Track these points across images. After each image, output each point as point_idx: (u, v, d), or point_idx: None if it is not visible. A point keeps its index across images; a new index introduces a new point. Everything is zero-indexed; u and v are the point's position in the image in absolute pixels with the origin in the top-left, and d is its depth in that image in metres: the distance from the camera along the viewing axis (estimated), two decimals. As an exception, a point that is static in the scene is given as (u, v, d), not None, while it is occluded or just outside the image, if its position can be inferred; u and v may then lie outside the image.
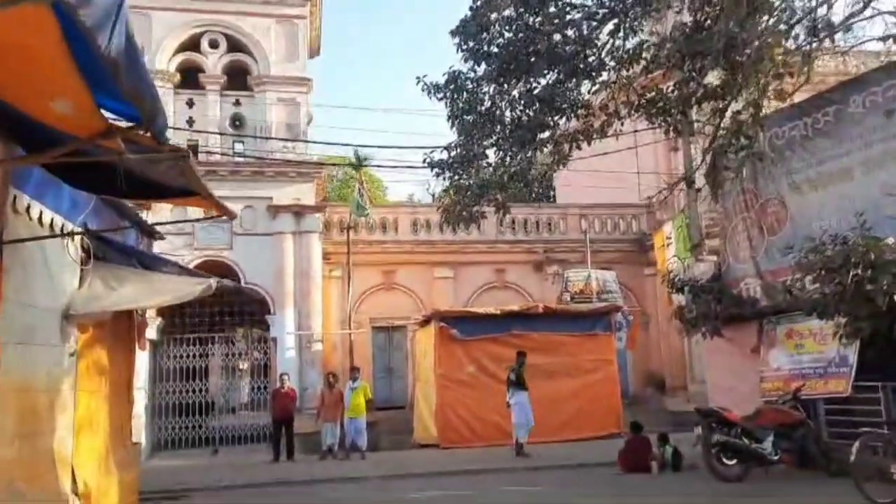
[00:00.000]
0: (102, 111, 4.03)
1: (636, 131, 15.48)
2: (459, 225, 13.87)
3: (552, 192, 33.91)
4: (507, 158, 13.03)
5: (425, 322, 19.06)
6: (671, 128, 13.72)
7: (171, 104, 19.81)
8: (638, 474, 11.68)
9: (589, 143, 13.28)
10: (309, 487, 12.53)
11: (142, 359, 18.25)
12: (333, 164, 25.84)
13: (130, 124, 4.19)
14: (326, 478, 13.36)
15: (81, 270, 8.03)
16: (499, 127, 12.74)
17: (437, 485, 11.99)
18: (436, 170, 13.39)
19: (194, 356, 19.56)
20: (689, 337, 16.57)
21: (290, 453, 16.57)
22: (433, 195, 34.33)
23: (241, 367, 26.28)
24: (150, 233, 10.82)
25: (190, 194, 5.97)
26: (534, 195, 32.03)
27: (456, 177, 13.78)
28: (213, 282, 8.33)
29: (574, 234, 23.21)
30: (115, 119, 4.20)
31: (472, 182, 13.44)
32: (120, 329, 9.69)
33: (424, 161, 13.31)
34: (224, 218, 8.02)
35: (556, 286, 22.26)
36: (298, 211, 19.59)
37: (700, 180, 13.91)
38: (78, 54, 3.33)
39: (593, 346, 18.29)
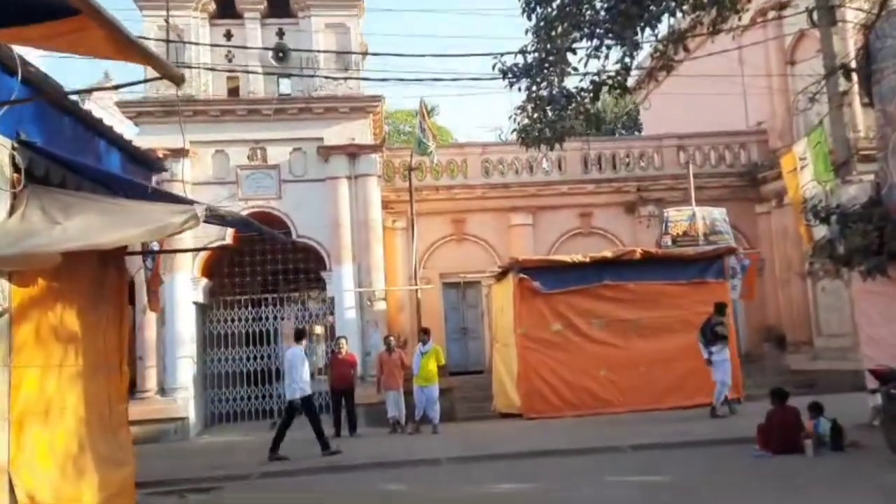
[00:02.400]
0: None
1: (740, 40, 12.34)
2: (539, 147, 11.13)
3: (638, 128, 30.65)
4: (600, 57, 10.21)
5: (502, 275, 16.47)
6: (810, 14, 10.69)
7: (208, 36, 17.57)
8: (788, 456, 8.87)
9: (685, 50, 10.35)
10: (365, 474, 10.21)
11: (184, 323, 16.51)
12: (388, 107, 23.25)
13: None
14: (388, 460, 11.02)
15: (13, 195, 5.79)
16: (588, 14, 9.88)
17: (524, 471, 9.48)
18: (509, 77, 10.66)
19: (250, 319, 17.56)
20: (843, 280, 13.49)
21: (352, 427, 14.36)
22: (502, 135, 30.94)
23: (316, 331, 24.47)
24: (143, 160, 8.43)
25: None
26: (621, 125, 29.01)
27: (534, 87, 11.00)
28: (199, 209, 5.89)
29: (671, 169, 20.12)
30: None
31: (554, 91, 10.67)
32: (99, 283, 7.39)
33: (494, 67, 10.60)
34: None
35: (652, 229, 19.31)
36: (353, 151, 17.11)
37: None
38: None
39: (704, 296, 15.26)
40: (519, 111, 11.21)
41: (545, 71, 10.71)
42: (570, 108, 10.54)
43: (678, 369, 14.87)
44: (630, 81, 11.60)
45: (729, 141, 20.52)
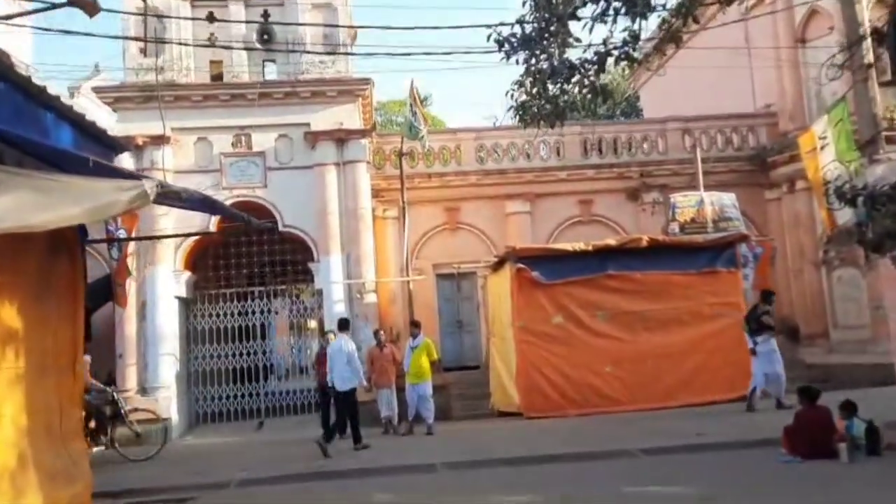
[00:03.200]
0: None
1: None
2: (539, 125, 10.20)
3: (637, 114, 29.76)
4: (607, 22, 9.28)
5: (499, 265, 15.59)
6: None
7: (189, 20, 16.63)
8: (820, 461, 8.02)
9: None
10: (354, 482, 9.36)
11: (165, 318, 15.59)
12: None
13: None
14: (380, 465, 10.15)
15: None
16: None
17: (528, 479, 8.62)
18: (505, 49, 9.73)
19: (236, 314, 16.68)
20: (861, 269, 12.70)
21: (341, 429, 13.46)
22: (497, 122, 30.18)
23: (309, 325, 23.65)
24: (101, 137, 7.52)
25: None
26: (620, 111, 28.15)
27: (533, 59, 10.08)
28: (149, 185, 5.01)
29: (676, 154, 19.21)
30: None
31: (555, 63, 9.75)
32: (47, 273, 6.50)
33: (489, 38, 9.68)
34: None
35: (656, 217, 18.45)
36: (341, 137, 16.19)
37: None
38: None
39: (714, 287, 14.51)
40: (516, 87, 10.27)
41: (545, 41, 9.79)
42: (573, 80, 9.64)
43: (688, 364, 14.07)
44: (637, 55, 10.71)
45: (736, 124, 19.63)
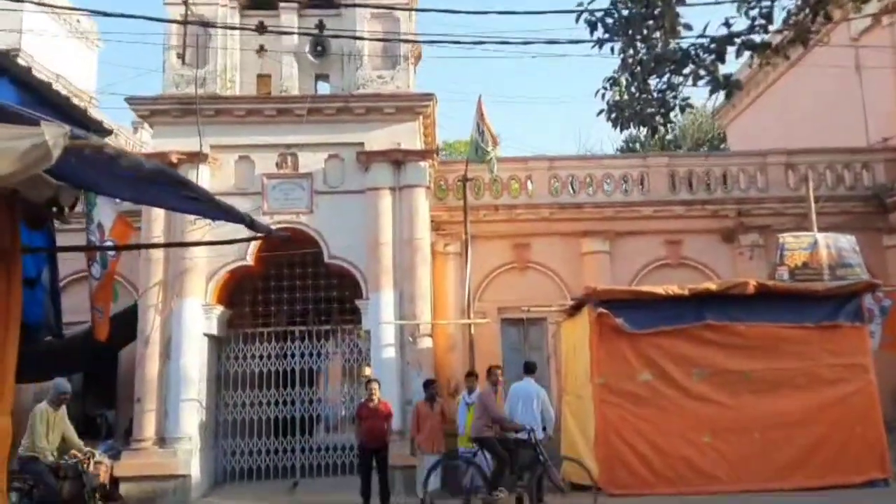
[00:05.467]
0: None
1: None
2: (639, 128, 8.12)
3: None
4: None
5: (576, 309, 13.38)
6: None
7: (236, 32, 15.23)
8: None
9: None
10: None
11: (192, 358, 13.78)
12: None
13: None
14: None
15: None
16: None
17: None
18: (599, 35, 7.74)
19: (274, 356, 14.86)
20: None
21: (384, 497, 11.34)
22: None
23: (366, 372, 21.65)
24: (65, 109, 5.69)
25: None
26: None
27: (631, 50, 8.06)
28: (54, 132, 3.02)
29: (777, 190, 16.80)
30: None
31: (660, 51, 7.71)
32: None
33: (578, 19, 7.70)
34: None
35: (755, 262, 16.02)
36: (398, 158, 14.36)
37: None
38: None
39: (836, 344, 11.99)
40: (609, 83, 8.25)
41: (648, 26, 7.79)
42: (684, 70, 7.58)
43: (805, 438, 11.55)
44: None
45: (849, 159, 17.13)
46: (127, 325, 14.07)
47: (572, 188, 17.08)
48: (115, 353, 15.85)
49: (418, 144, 14.70)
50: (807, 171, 16.11)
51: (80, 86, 23.10)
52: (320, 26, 15.37)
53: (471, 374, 12.42)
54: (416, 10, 15.08)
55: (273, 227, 14.04)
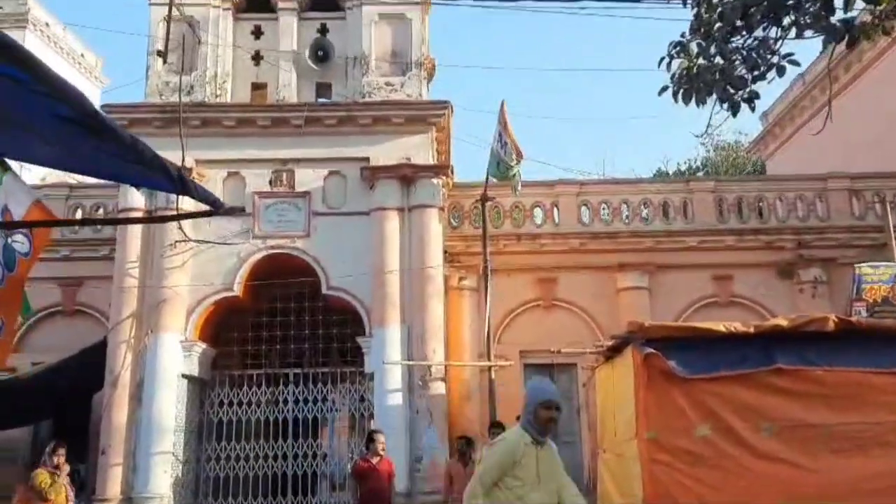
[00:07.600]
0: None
1: None
2: (706, 99, 6.20)
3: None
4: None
5: (615, 350, 11.30)
6: None
7: (230, 32, 13.70)
8: None
9: None
10: None
11: (166, 403, 11.89)
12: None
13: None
14: None
15: None
16: None
17: None
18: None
19: (264, 403, 12.95)
20: None
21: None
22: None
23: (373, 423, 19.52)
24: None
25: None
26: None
27: (706, 4, 6.23)
28: None
29: (841, 219, 14.82)
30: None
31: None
32: None
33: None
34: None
35: (819, 300, 13.96)
36: (408, 174, 12.59)
37: None
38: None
39: (935, 394, 9.93)
40: (677, 49, 6.39)
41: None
42: (783, 23, 5.72)
43: (898, 507, 9.41)
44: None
45: (925, 184, 15.22)
46: (102, 364, 12.30)
47: (605, 215, 15.18)
48: (88, 398, 13.96)
49: (431, 159, 12.99)
50: (883, 197, 14.13)
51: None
52: (322, 30, 13.87)
53: (494, 425, 10.38)
54: (432, 1, 13.42)
55: (265, 253, 12.40)
